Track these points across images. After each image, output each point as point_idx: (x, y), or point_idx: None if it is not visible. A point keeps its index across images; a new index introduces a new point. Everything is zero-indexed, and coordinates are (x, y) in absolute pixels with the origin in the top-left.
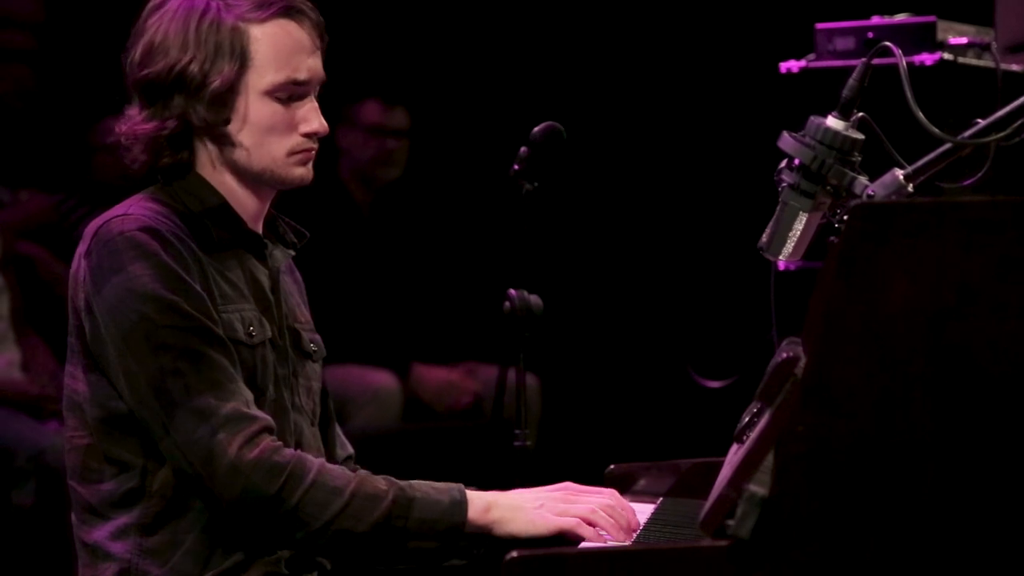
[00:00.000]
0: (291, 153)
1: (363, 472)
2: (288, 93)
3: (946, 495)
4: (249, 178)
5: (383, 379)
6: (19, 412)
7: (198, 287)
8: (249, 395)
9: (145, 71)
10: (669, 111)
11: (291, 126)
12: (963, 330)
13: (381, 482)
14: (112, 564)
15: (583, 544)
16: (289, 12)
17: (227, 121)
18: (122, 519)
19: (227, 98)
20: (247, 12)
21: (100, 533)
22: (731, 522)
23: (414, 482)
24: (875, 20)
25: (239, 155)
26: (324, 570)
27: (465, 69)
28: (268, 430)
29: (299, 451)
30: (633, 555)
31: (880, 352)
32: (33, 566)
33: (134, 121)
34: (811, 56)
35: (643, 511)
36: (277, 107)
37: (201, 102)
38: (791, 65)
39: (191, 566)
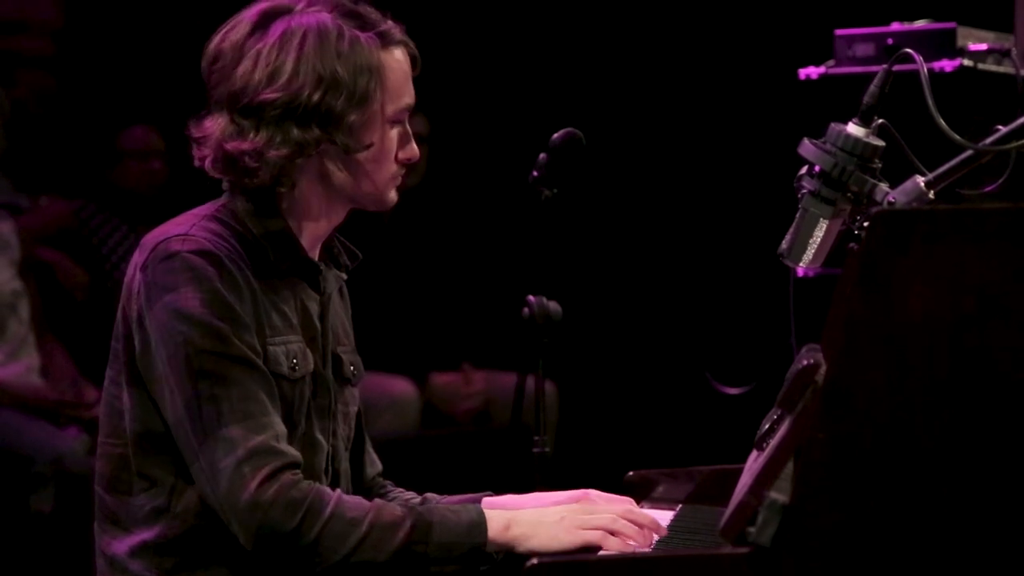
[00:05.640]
0: (392, 177)
1: (379, 500)
2: (402, 119)
3: (968, 503)
4: (347, 200)
5: (401, 386)
6: (38, 418)
7: (248, 318)
8: (283, 430)
9: (273, 95)
10: (688, 118)
11: (395, 152)
12: (984, 337)
13: (398, 509)
14: None
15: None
16: (402, 41)
17: (368, 147)
18: (143, 535)
19: (366, 125)
20: (375, 40)
21: (120, 547)
22: (751, 529)
23: (431, 506)
24: (895, 26)
25: (354, 178)
26: None
27: (484, 75)
28: (292, 466)
29: (317, 484)
30: (653, 562)
31: (901, 359)
32: (51, 572)
33: (253, 142)
34: (831, 62)
35: (662, 518)
36: (393, 133)
37: (342, 129)
38: (811, 71)
39: None
